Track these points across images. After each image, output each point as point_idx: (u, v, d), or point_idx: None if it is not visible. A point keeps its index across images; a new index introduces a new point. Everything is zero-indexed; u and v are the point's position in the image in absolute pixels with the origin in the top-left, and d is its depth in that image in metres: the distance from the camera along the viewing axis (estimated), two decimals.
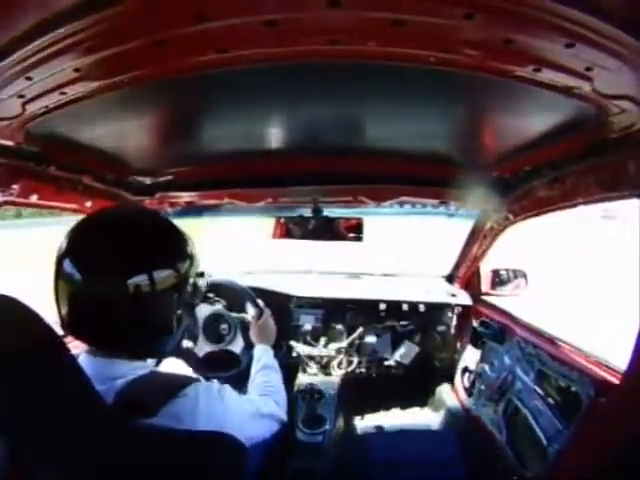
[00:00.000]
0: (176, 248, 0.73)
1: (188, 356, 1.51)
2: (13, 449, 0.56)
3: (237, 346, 1.56)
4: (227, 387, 0.77)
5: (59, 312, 0.67)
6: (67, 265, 0.64)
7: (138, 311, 0.66)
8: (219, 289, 1.69)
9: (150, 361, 0.79)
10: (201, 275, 0.80)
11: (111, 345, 0.68)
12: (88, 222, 0.72)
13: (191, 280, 0.75)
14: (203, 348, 1.58)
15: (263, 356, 1.09)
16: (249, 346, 1.42)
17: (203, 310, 1.66)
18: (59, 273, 0.65)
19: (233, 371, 1.50)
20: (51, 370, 0.53)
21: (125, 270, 0.65)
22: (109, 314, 0.65)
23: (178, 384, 0.68)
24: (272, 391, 0.95)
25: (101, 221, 0.73)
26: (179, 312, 0.73)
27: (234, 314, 1.61)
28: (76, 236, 0.68)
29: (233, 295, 1.66)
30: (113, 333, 0.67)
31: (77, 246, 0.67)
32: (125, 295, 0.64)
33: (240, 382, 1.06)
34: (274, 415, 0.88)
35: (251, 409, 0.82)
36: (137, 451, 0.59)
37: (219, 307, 1.65)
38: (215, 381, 0.76)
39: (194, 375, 0.86)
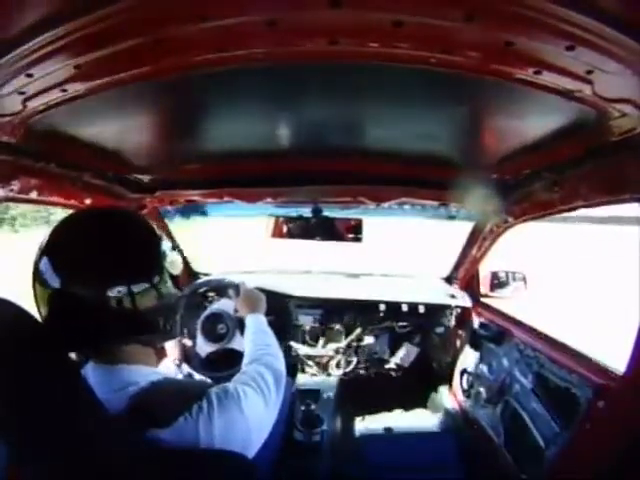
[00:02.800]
0: (150, 250, 0.70)
1: (190, 357, 1.51)
2: (12, 450, 0.56)
3: (237, 343, 1.55)
4: (245, 393, 0.71)
5: (40, 315, 0.64)
6: (44, 266, 0.62)
7: (118, 315, 0.63)
8: (219, 288, 1.69)
9: (162, 366, 0.77)
10: (174, 249, 0.75)
11: (93, 353, 0.66)
12: (67, 222, 0.69)
13: (166, 272, 0.70)
14: (204, 349, 1.58)
15: (252, 323, 1.06)
16: None
17: (202, 311, 1.66)
18: (37, 274, 0.63)
19: (237, 368, 1.49)
20: (48, 374, 0.53)
21: (102, 276, 0.62)
22: (90, 313, 0.62)
23: (194, 393, 0.65)
24: (265, 353, 0.90)
25: (80, 222, 0.70)
26: (163, 302, 0.69)
27: (232, 312, 1.61)
28: (55, 236, 0.66)
29: (223, 287, 1.67)
30: (95, 339, 0.64)
31: (55, 248, 0.64)
32: (105, 299, 0.62)
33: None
34: (276, 397, 0.82)
35: (266, 411, 0.77)
36: (138, 458, 0.57)
37: (216, 306, 1.65)
38: (231, 387, 0.71)
39: (208, 381, 0.83)
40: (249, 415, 0.69)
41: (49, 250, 0.64)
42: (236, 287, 1.39)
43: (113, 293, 0.62)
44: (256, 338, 0.98)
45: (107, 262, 0.64)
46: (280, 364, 0.89)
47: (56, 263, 0.63)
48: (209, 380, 0.82)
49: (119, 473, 0.55)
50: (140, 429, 0.59)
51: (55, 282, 0.61)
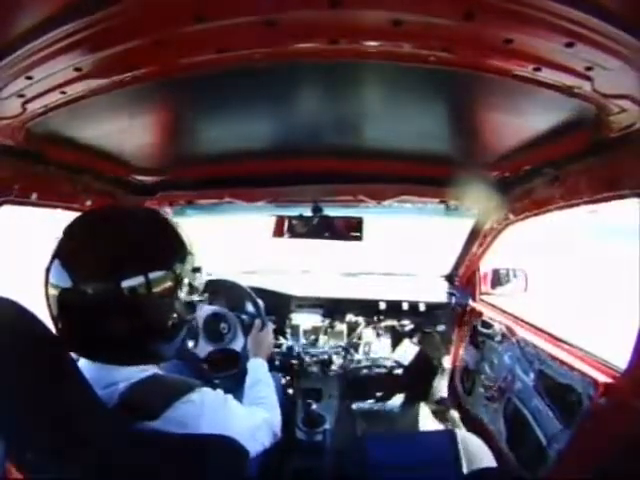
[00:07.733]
0: (170, 246, 0.70)
1: (189, 357, 1.51)
2: (13, 449, 0.57)
3: (238, 345, 1.55)
4: (230, 397, 0.77)
5: (52, 319, 0.63)
6: (56, 269, 0.62)
7: (133, 316, 0.63)
8: (220, 288, 1.69)
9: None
10: (197, 270, 0.76)
11: (106, 356, 0.65)
12: (78, 222, 0.69)
13: (187, 279, 0.71)
14: (204, 348, 1.58)
15: (257, 370, 1.07)
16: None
17: (204, 309, 1.65)
18: (48, 277, 0.62)
19: (234, 370, 1.50)
20: (51, 373, 0.53)
21: (118, 272, 0.61)
22: (102, 322, 0.62)
23: (182, 388, 0.67)
24: (265, 406, 0.93)
25: (91, 221, 0.70)
26: (177, 314, 0.70)
27: (234, 313, 1.60)
28: (65, 237, 0.65)
29: (234, 295, 1.66)
30: (107, 342, 0.64)
31: (66, 248, 0.64)
32: (118, 299, 0.61)
33: (240, 380, 1.07)
34: (270, 424, 0.88)
35: (251, 420, 0.82)
36: (137, 453, 0.59)
37: (219, 307, 1.64)
38: (219, 390, 0.75)
39: (196, 380, 0.86)
40: (235, 413, 0.75)
41: (61, 249, 0.64)
42: (263, 323, 1.37)
43: (126, 286, 0.61)
44: (253, 391, 0.99)
45: (120, 254, 0.64)
46: (272, 415, 0.91)
47: (68, 261, 0.63)
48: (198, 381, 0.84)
49: (116, 466, 0.56)
50: (131, 422, 0.60)
51: (68, 281, 0.61)
